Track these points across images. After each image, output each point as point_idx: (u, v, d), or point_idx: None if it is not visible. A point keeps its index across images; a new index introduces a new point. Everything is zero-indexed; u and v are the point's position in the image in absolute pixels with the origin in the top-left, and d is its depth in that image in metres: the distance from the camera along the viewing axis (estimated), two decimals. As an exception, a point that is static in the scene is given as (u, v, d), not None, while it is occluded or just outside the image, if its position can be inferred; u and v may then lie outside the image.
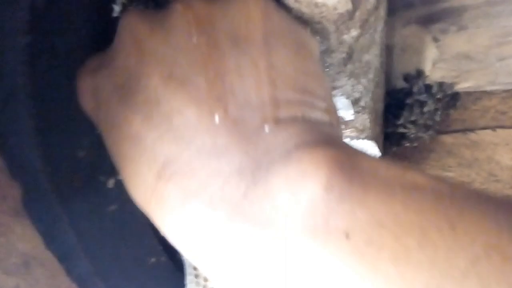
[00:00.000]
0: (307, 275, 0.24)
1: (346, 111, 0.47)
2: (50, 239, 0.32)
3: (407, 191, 0.24)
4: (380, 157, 0.28)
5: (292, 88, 0.29)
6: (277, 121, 0.27)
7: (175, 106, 0.27)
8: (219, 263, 0.27)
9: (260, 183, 0.25)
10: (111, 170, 0.36)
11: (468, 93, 0.67)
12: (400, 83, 0.64)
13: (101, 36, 0.35)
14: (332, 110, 0.32)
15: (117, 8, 0.34)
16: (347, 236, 0.23)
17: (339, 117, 0.34)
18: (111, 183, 0.36)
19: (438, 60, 0.62)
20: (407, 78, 0.63)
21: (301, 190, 0.24)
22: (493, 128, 0.69)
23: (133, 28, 0.30)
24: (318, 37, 0.36)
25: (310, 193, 0.24)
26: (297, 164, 0.25)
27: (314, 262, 0.24)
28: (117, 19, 0.32)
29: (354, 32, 0.35)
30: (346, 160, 0.25)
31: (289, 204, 0.24)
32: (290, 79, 0.29)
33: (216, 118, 0.27)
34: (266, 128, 0.27)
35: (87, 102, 0.32)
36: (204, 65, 0.28)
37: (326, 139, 0.27)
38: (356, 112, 0.47)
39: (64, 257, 0.33)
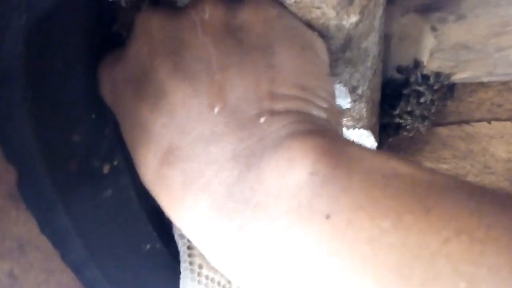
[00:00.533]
0: (291, 253, 0.26)
1: (343, 100, 0.47)
2: (45, 223, 0.32)
3: (387, 178, 0.26)
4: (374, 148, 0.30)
5: (290, 85, 0.31)
6: (272, 113, 0.30)
7: (180, 96, 0.30)
8: (214, 242, 0.29)
9: (253, 168, 0.28)
10: (107, 155, 0.36)
11: (464, 85, 0.67)
12: (397, 73, 0.64)
13: (98, 18, 0.35)
14: (332, 110, 0.34)
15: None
16: (327, 217, 0.25)
17: (340, 119, 0.36)
18: (106, 168, 0.36)
19: (436, 50, 0.61)
20: (400, 69, 0.63)
21: (289, 174, 0.27)
22: (489, 120, 0.69)
23: (147, 22, 0.33)
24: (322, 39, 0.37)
25: (296, 178, 0.27)
26: (287, 150, 0.28)
27: (298, 241, 0.26)
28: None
29: (353, 18, 0.35)
30: (333, 148, 0.27)
31: (277, 187, 0.27)
32: (289, 77, 0.32)
33: (216, 109, 0.30)
34: (262, 119, 0.30)
35: (106, 93, 0.35)
36: (207, 60, 0.31)
37: (317, 129, 0.29)
38: (353, 101, 0.47)
39: (58, 242, 0.33)
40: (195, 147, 0.29)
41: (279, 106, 0.30)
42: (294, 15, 0.35)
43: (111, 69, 0.34)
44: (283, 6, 0.35)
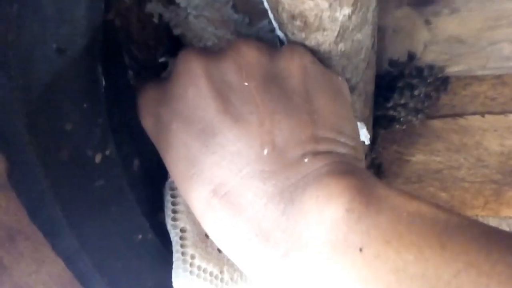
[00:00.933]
0: (327, 280, 0.30)
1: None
2: (35, 213, 0.32)
3: (411, 217, 0.29)
4: (393, 185, 0.35)
5: (329, 129, 0.36)
6: (315, 154, 0.34)
7: (230, 138, 0.34)
8: (259, 266, 0.33)
9: (296, 202, 0.32)
10: (99, 145, 0.36)
11: (458, 79, 0.67)
12: (391, 66, 0.64)
13: (92, 4, 0.34)
14: (358, 147, 0.38)
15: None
16: (360, 250, 0.29)
17: (363, 153, 0.40)
18: (98, 158, 0.36)
19: (429, 43, 0.62)
20: (392, 63, 0.63)
21: (327, 210, 0.31)
22: (482, 113, 0.70)
23: (190, 64, 0.36)
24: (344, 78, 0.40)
25: (334, 213, 0.30)
26: (325, 188, 0.31)
27: (334, 270, 0.30)
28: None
29: (346, 10, 0.35)
30: (365, 188, 0.31)
31: (317, 221, 0.31)
32: (328, 121, 0.36)
33: (265, 151, 0.33)
34: (305, 159, 0.33)
35: (148, 122, 0.39)
36: (255, 104, 0.34)
37: (352, 170, 0.33)
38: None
39: (49, 231, 0.33)
40: (246, 183, 0.33)
41: (321, 147, 0.34)
42: (322, 62, 0.39)
43: (155, 103, 0.38)
44: (313, 53, 0.38)
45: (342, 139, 0.36)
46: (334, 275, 0.30)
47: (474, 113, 0.70)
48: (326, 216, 0.30)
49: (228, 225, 0.34)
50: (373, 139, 0.72)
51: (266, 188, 0.33)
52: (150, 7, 0.43)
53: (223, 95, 0.35)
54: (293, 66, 0.37)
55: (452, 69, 0.64)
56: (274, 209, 0.32)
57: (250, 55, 0.36)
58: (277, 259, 0.32)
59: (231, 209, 0.33)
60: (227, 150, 0.34)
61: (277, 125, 0.34)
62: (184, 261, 0.41)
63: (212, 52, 0.38)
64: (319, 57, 0.40)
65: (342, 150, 0.36)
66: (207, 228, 0.35)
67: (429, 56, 0.63)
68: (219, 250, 0.43)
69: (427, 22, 0.59)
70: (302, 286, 0.31)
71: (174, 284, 0.41)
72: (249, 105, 0.34)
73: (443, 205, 0.32)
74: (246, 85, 0.35)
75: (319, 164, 0.33)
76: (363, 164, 0.39)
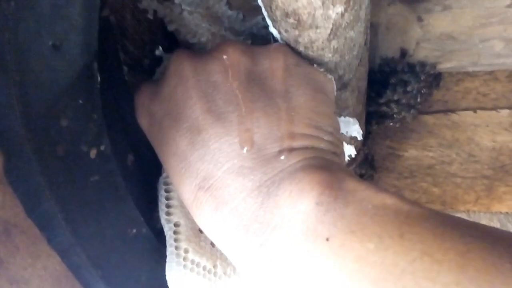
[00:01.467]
0: (298, 266, 0.32)
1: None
2: (32, 207, 0.32)
3: (375, 209, 0.32)
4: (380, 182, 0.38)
5: (307, 126, 0.37)
6: (291, 150, 0.36)
7: (213, 135, 0.36)
8: (240, 254, 0.36)
9: (272, 196, 0.34)
10: (94, 140, 0.36)
11: (451, 74, 0.67)
12: (384, 62, 0.64)
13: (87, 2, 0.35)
14: (337, 143, 0.40)
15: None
16: (327, 239, 0.31)
17: (342, 147, 0.43)
18: (93, 153, 0.36)
19: (422, 40, 0.62)
20: (386, 59, 0.63)
21: (299, 203, 0.33)
22: (474, 109, 0.70)
23: (180, 65, 0.39)
24: (332, 77, 0.42)
25: (305, 206, 0.33)
26: (298, 183, 0.34)
27: (304, 257, 0.32)
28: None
29: (339, 8, 0.36)
30: (335, 182, 0.33)
31: (290, 213, 0.33)
32: (305, 118, 0.38)
33: (245, 148, 0.35)
34: (282, 156, 0.36)
35: (143, 120, 0.41)
36: (236, 103, 0.37)
37: (326, 165, 0.35)
38: (339, 90, 0.47)
39: (44, 226, 0.33)
40: (227, 178, 0.35)
41: (297, 144, 0.36)
42: (308, 61, 0.41)
43: (149, 102, 0.41)
44: (299, 54, 0.40)
45: (320, 135, 0.38)
46: (305, 263, 0.32)
47: (466, 109, 0.70)
48: (298, 209, 0.33)
49: (213, 216, 0.36)
50: (366, 135, 0.72)
51: (245, 183, 0.35)
52: (145, 4, 0.43)
53: (208, 95, 0.37)
54: (276, 66, 0.39)
55: (444, 66, 0.65)
56: (252, 202, 0.35)
57: (235, 56, 0.38)
58: (256, 248, 0.34)
59: (214, 202, 0.36)
60: (210, 146, 0.36)
61: (255, 123, 0.36)
62: (178, 255, 0.42)
63: (201, 54, 0.40)
64: (312, 54, 0.40)
65: (319, 145, 0.38)
66: (196, 219, 0.38)
67: (422, 53, 0.63)
68: (212, 245, 0.43)
69: (420, 19, 0.59)
70: (278, 272, 0.34)
71: (168, 278, 0.41)
72: (231, 104, 0.37)
73: (407, 198, 0.34)
74: (229, 85, 0.38)
75: (294, 160, 0.35)
76: (342, 158, 0.42)
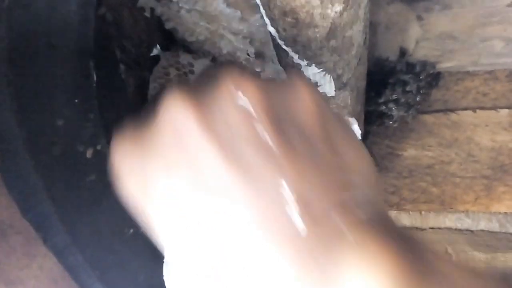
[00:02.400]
0: None
1: (327, 88, 0.47)
2: (27, 207, 0.32)
3: None
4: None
5: (353, 172, 0.29)
6: (343, 204, 0.27)
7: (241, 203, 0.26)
8: None
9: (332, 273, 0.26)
10: (90, 140, 0.36)
11: (451, 74, 0.67)
12: (383, 62, 0.64)
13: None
14: (374, 185, 0.32)
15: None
16: None
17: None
18: (89, 153, 0.36)
19: (421, 39, 0.62)
20: (385, 58, 0.63)
21: (372, 281, 0.25)
22: (474, 109, 0.70)
23: (176, 116, 0.28)
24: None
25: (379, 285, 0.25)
26: (367, 255, 0.26)
27: None
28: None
29: (338, 7, 0.35)
30: (409, 257, 0.26)
31: None
32: (351, 165, 0.30)
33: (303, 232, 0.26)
34: (333, 213, 0.27)
35: (133, 185, 0.31)
36: (272, 156, 0.27)
37: (389, 228, 0.28)
38: (338, 89, 0.47)
39: (40, 226, 0.33)
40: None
41: (347, 196, 0.28)
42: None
43: (138, 160, 0.30)
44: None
45: (367, 186, 0.30)
46: None
47: (465, 109, 0.70)
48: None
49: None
50: (365, 134, 0.72)
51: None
52: (142, 1, 0.43)
53: (230, 145, 0.27)
54: (309, 103, 0.30)
55: (444, 65, 0.65)
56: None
57: (251, 88, 0.28)
58: None
59: None
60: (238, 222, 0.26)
61: (307, 185, 0.27)
62: (175, 255, 0.41)
63: (200, 92, 0.29)
64: (310, 53, 0.40)
65: (365, 191, 0.30)
66: None
67: (421, 52, 0.63)
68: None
69: (419, 18, 0.59)
70: None
71: (165, 278, 0.41)
72: (263, 155, 0.27)
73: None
74: (259, 131, 0.27)
75: (349, 217, 0.27)
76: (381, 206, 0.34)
